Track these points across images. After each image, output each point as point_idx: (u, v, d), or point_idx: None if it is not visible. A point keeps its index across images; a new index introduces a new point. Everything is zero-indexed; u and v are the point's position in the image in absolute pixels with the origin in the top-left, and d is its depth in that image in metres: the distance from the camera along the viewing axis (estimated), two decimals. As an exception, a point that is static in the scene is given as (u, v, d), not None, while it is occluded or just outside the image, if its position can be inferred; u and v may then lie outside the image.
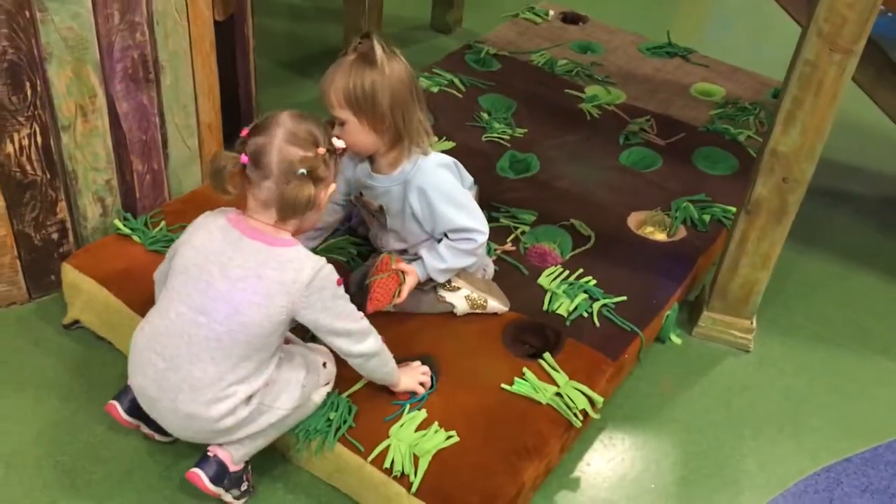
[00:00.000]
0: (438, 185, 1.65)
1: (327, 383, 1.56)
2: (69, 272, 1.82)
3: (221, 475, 1.47)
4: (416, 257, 1.73)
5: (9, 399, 1.71)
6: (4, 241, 1.82)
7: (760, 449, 1.80)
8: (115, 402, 1.53)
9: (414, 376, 1.61)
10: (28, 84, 1.68)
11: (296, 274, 1.37)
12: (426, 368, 1.64)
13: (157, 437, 1.58)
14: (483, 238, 1.69)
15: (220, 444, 1.47)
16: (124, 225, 1.92)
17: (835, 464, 1.78)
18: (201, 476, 1.45)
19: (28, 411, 1.69)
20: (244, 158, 1.36)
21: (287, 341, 1.53)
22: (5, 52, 1.62)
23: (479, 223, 1.68)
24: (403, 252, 1.77)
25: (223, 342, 1.37)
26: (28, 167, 1.77)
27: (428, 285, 1.75)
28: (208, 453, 1.47)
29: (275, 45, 3.08)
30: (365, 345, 1.49)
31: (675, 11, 3.88)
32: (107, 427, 1.64)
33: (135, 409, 1.51)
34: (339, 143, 1.46)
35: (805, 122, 1.69)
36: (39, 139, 1.75)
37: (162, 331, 1.41)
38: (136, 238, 1.88)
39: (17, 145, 1.73)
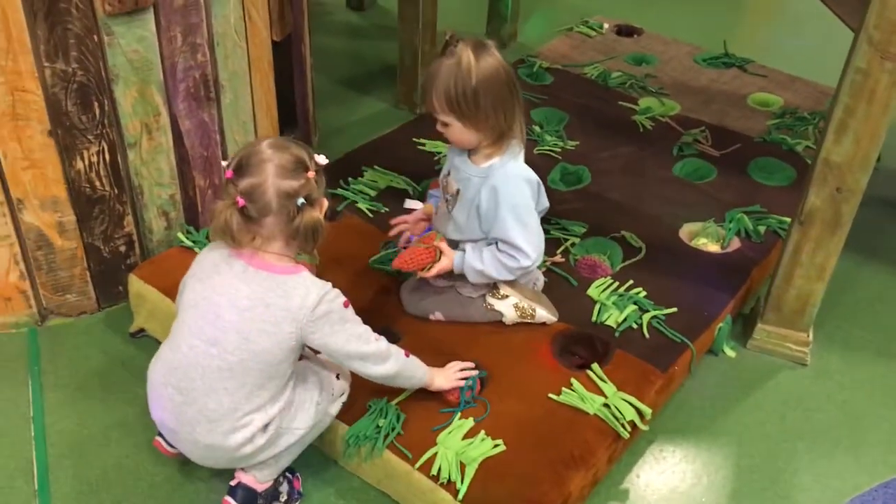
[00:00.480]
0: (511, 193, 1.66)
1: (342, 394, 1.58)
2: (135, 283, 1.91)
3: (252, 498, 1.51)
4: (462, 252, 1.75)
5: (78, 403, 1.79)
6: (75, 254, 1.91)
7: (815, 463, 1.76)
8: (159, 438, 1.58)
9: (447, 375, 1.63)
10: (96, 104, 1.76)
11: (301, 300, 1.39)
12: (463, 364, 1.66)
13: None
14: (529, 263, 1.68)
15: (243, 469, 1.51)
16: (187, 238, 2.00)
17: (893, 479, 1.74)
18: None
19: (95, 415, 1.77)
20: (241, 202, 1.35)
21: (300, 357, 1.52)
22: (75, 73, 1.71)
23: (531, 247, 1.68)
24: (454, 245, 1.78)
25: (235, 371, 1.39)
26: (97, 183, 1.86)
27: (465, 288, 1.78)
28: (231, 483, 1.52)
29: (333, 62, 3.16)
30: (384, 367, 1.50)
31: (734, 22, 3.83)
32: (168, 431, 1.71)
33: None
34: (322, 160, 1.44)
35: (858, 131, 1.66)
36: (107, 156, 1.84)
37: (176, 365, 1.44)
38: (197, 250, 1.95)
39: (86, 162, 1.82)
